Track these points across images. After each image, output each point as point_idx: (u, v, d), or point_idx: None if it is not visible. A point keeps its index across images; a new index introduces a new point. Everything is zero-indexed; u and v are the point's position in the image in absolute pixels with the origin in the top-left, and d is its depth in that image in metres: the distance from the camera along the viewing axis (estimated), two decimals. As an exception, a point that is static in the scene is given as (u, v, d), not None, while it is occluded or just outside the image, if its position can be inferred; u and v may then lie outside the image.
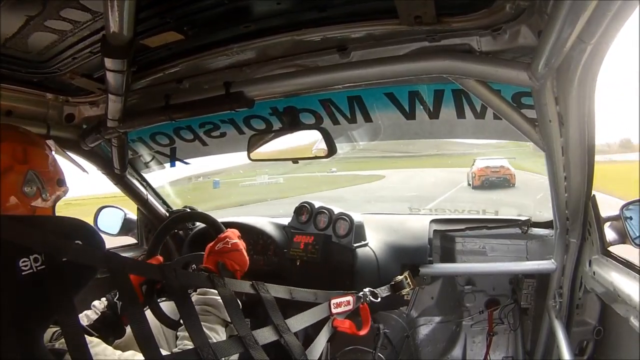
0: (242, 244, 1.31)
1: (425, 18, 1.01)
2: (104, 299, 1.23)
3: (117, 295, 1.20)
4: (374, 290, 1.60)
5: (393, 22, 1.07)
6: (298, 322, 1.26)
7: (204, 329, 1.04)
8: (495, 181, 12.46)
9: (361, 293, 1.56)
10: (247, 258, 1.29)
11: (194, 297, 1.15)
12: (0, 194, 0.90)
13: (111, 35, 0.95)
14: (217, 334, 1.09)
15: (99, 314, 1.19)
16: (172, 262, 1.57)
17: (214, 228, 1.51)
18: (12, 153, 0.93)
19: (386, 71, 1.17)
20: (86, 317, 1.17)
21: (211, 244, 1.29)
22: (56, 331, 0.94)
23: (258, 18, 1.13)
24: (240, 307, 1.13)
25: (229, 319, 1.12)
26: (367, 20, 1.11)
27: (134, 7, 0.88)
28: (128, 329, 1.15)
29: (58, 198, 1.04)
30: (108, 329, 1.18)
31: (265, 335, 1.14)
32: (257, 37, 1.20)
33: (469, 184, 13.25)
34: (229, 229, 1.36)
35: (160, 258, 1.44)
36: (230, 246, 1.27)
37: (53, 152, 1.04)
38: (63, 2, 0.96)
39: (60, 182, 1.03)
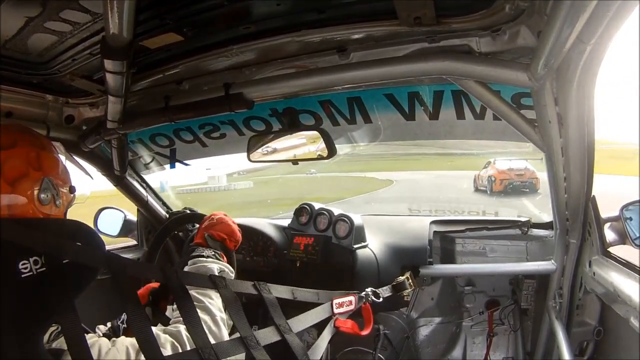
0: (229, 220, 1.36)
1: (424, 19, 1.00)
2: (109, 324, 1.21)
3: (121, 319, 1.20)
4: (376, 290, 1.60)
5: (392, 23, 1.06)
6: (300, 323, 1.25)
7: (197, 295, 1.05)
8: (519, 186, 10.39)
9: (363, 293, 1.56)
10: (235, 228, 1.34)
11: (186, 268, 1.18)
12: (14, 200, 0.88)
13: (111, 36, 0.95)
14: (211, 298, 1.09)
15: (101, 335, 1.18)
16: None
17: None
18: (26, 158, 0.91)
19: (386, 72, 1.17)
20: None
21: (199, 225, 1.36)
22: (54, 331, 0.93)
23: (258, 19, 1.13)
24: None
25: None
26: (366, 22, 1.11)
27: (133, 9, 0.88)
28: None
29: (69, 204, 1.03)
30: None
31: (267, 335, 1.13)
32: (257, 38, 1.20)
33: (481, 189, 11.24)
34: (214, 212, 1.42)
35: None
36: (215, 221, 1.33)
37: (62, 157, 1.04)
38: (63, 3, 0.95)
39: (72, 189, 1.02)
